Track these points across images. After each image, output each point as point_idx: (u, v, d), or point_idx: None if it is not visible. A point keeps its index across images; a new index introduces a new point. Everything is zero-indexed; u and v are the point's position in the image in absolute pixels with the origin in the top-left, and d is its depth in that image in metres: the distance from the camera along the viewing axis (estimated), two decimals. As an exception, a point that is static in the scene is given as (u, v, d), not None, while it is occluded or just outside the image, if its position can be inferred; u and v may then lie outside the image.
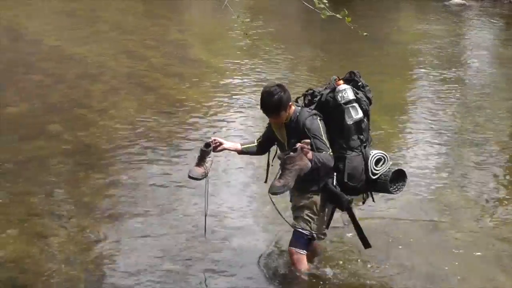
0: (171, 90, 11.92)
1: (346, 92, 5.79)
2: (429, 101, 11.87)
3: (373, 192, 6.19)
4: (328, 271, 6.34)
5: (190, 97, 11.52)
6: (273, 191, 5.54)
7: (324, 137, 5.68)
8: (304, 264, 6.08)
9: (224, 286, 6.31)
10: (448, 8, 21.15)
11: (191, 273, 6.45)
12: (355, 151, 5.84)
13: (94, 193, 8.05)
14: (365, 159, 5.87)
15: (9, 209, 7.67)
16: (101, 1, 20.18)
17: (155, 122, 10.30)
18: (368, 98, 5.97)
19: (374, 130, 10.08)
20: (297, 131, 5.72)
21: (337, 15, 6.35)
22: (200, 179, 5.98)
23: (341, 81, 5.89)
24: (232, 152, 6.33)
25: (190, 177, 5.96)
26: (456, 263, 6.67)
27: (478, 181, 8.63)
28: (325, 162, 5.60)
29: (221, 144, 6.01)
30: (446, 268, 6.57)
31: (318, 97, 5.91)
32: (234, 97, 11.49)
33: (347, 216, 6.10)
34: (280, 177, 5.51)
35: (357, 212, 6.29)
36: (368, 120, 5.95)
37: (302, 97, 6.10)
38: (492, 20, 19.70)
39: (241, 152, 6.24)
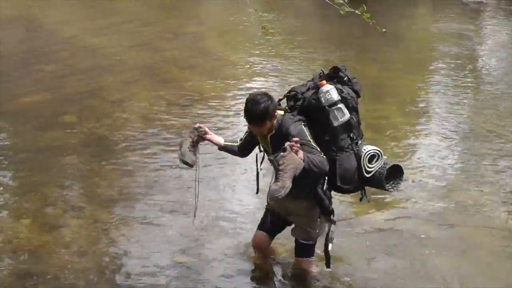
0: (186, 82, 11.91)
1: (330, 93, 5.48)
2: (445, 97, 11.81)
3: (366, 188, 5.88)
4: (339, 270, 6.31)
5: (205, 89, 11.51)
6: (272, 196, 5.15)
7: (312, 142, 5.34)
8: (313, 267, 6.11)
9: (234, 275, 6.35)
10: (465, 5, 21.02)
11: (203, 263, 6.49)
12: (346, 151, 5.54)
13: (107, 184, 8.07)
14: (358, 157, 5.57)
15: (23, 198, 7.71)
16: (117, -8, 20.22)
17: (169, 114, 10.30)
18: (355, 91, 5.67)
19: (389, 127, 10.16)
20: (282, 139, 5.31)
21: (356, 11, 6.33)
22: (192, 167, 5.76)
23: (324, 81, 5.57)
24: (212, 145, 5.99)
25: (182, 161, 5.72)
26: (469, 261, 6.66)
27: (493, 177, 8.59)
28: (320, 165, 5.23)
29: (206, 133, 5.77)
30: (459, 266, 6.54)
31: (301, 100, 5.58)
32: (248, 90, 11.48)
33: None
34: (276, 180, 5.16)
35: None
36: (357, 115, 5.65)
37: (285, 99, 5.75)
38: (510, 18, 19.58)
39: (222, 148, 5.96)
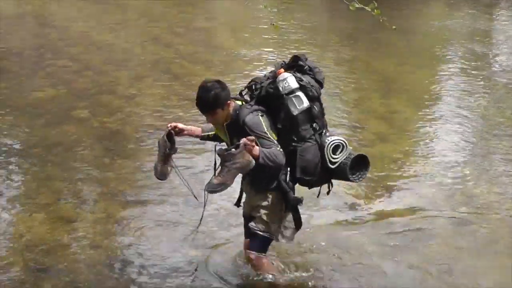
0: (197, 77, 11.87)
1: (287, 81, 5.32)
2: (456, 92, 11.77)
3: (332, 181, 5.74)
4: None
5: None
6: (209, 189, 5.11)
7: (268, 134, 5.18)
8: (269, 267, 5.82)
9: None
10: (479, 1, 20.91)
11: (214, 260, 6.45)
12: (308, 141, 5.38)
13: (119, 178, 8.08)
14: (321, 148, 5.40)
15: (36, 193, 7.74)
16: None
17: (180, 109, 10.30)
18: (318, 81, 5.48)
19: (401, 121, 10.14)
20: (238, 130, 5.21)
21: (366, 8, 6.29)
22: (165, 179, 5.70)
23: (282, 69, 5.41)
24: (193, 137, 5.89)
25: (157, 177, 5.65)
26: (480, 257, 6.62)
27: (504, 174, 8.55)
28: (275, 159, 5.11)
29: (181, 130, 5.59)
30: (469, 262, 6.52)
31: (258, 90, 5.43)
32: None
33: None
34: (218, 174, 5.08)
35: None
36: (320, 105, 5.48)
37: (246, 90, 5.59)
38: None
39: (202, 137, 5.81)
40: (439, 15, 19.48)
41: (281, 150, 5.17)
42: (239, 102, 5.41)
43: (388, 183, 8.20)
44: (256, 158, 5.05)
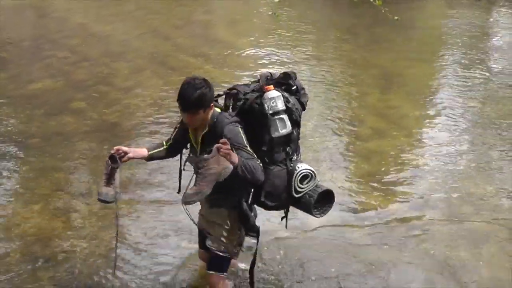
0: (196, 70, 11.90)
1: (275, 101, 4.96)
2: (455, 87, 11.73)
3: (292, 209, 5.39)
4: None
5: (215, 77, 11.48)
6: (185, 201, 4.71)
7: (248, 147, 4.82)
8: (226, 286, 5.51)
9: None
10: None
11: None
12: (278, 165, 5.04)
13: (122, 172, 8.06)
14: (290, 174, 5.06)
15: (34, 183, 7.77)
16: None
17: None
18: (301, 103, 5.22)
19: (399, 116, 10.14)
20: (214, 139, 4.75)
21: (370, -1, 6.31)
22: (112, 202, 5.11)
23: (271, 86, 5.03)
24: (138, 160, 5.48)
25: (100, 200, 5.09)
26: (477, 254, 6.65)
27: (503, 169, 8.57)
28: (254, 172, 4.74)
29: (126, 153, 5.14)
30: (467, 259, 6.55)
31: (242, 101, 5.08)
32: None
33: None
34: (194, 184, 4.72)
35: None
36: (298, 129, 5.18)
37: (224, 96, 5.26)
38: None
39: (149, 158, 5.40)
40: (439, 10, 19.43)
41: (261, 165, 4.85)
42: (218, 109, 5.05)
43: (385, 179, 8.20)
44: (234, 165, 4.65)
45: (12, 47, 13.04)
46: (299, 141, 5.27)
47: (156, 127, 9.38)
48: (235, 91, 5.17)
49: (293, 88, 5.19)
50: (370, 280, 6.18)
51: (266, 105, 4.96)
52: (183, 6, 17.49)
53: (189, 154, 5.26)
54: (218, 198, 5.02)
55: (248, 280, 5.56)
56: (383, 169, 8.42)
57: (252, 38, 14.40)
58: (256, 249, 5.35)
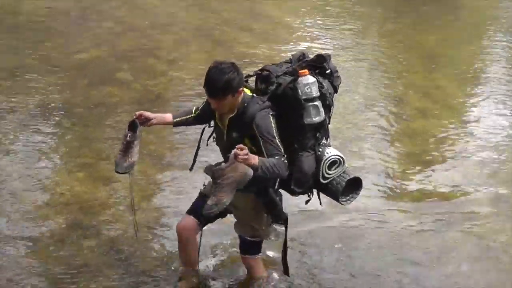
0: (241, 44, 11.88)
1: (310, 87, 4.74)
2: (501, 71, 11.56)
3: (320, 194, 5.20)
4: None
5: (259, 52, 11.48)
6: (205, 213, 4.62)
7: (277, 139, 4.66)
8: (261, 269, 5.51)
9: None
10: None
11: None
12: (308, 151, 4.87)
13: (160, 141, 8.13)
14: (318, 160, 4.90)
15: (78, 152, 7.85)
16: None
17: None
18: (334, 86, 5.00)
19: (444, 97, 10.03)
20: (242, 124, 4.70)
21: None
22: (126, 173, 5.12)
23: (306, 71, 4.79)
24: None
25: (117, 172, 5.12)
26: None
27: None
28: (277, 171, 4.60)
29: (148, 119, 5.09)
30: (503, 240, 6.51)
31: (275, 86, 4.85)
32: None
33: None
34: (213, 193, 4.59)
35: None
36: (330, 113, 5.00)
37: (255, 77, 5.06)
38: None
39: (175, 124, 5.32)
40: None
41: (286, 161, 4.68)
42: (249, 92, 4.87)
43: (428, 159, 8.14)
44: (254, 167, 4.51)
45: (59, 16, 13.11)
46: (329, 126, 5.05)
47: (200, 100, 9.31)
48: (266, 72, 4.95)
49: (327, 71, 4.96)
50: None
51: (300, 91, 4.74)
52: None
53: (211, 136, 5.14)
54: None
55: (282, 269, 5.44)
56: (427, 149, 8.35)
57: (299, 14, 14.30)
58: (286, 237, 5.21)
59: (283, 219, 5.07)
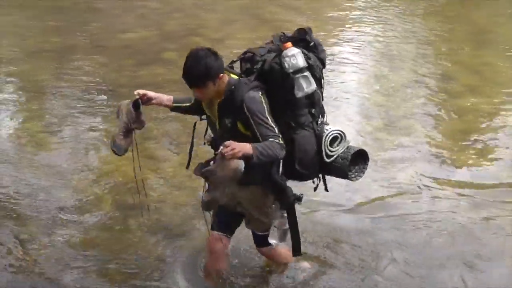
0: (286, 23, 11.84)
1: (296, 57, 4.49)
2: None
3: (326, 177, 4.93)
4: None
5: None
6: (203, 209, 4.66)
7: (270, 119, 4.41)
8: (284, 254, 5.36)
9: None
10: None
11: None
12: (305, 129, 4.60)
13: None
14: (318, 137, 4.65)
15: (125, 132, 7.87)
16: None
17: (267, 54, 10.25)
18: (321, 60, 4.70)
19: (492, 73, 9.87)
20: (232, 108, 4.46)
21: None
22: (122, 155, 4.94)
23: (289, 43, 4.55)
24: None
25: (114, 151, 4.88)
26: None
27: None
28: (272, 154, 4.36)
29: (149, 99, 4.88)
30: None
31: (260, 63, 4.58)
32: (349, 39, 11.31)
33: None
34: (208, 191, 4.58)
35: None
36: (321, 88, 4.72)
37: (239, 62, 4.76)
38: None
39: (173, 109, 5.08)
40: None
41: (281, 142, 4.42)
42: (235, 76, 4.60)
43: (477, 137, 8.03)
44: (249, 157, 4.29)
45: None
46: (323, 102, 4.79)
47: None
48: (250, 54, 4.67)
49: (310, 44, 4.68)
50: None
51: (286, 64, 4.48)
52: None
53: (205, 131, 4.93)
54: (249, 176, 4.50)
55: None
56: (476, 127, 8.24)
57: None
58: (295, 217, 4.96)
59: (293, 199, 4.79)
